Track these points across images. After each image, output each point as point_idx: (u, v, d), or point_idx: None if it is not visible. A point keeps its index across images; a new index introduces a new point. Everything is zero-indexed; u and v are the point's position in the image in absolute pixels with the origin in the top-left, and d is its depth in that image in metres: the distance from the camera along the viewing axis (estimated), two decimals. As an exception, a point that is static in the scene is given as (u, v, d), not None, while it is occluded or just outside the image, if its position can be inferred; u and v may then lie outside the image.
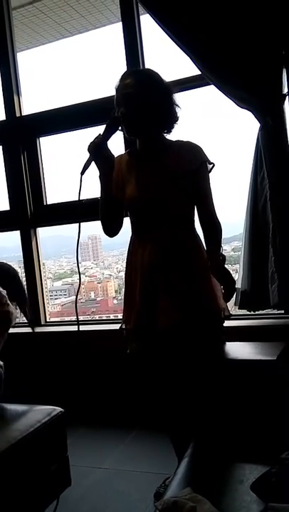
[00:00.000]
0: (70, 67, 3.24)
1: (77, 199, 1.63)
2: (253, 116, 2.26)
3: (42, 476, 1.65)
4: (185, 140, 1.73)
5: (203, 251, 1.71)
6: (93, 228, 3.97)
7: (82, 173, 1.65)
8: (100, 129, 1.70)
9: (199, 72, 2.36)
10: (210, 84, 2.36)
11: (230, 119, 2.59)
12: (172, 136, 1.76)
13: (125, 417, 2.60)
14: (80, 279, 1.65)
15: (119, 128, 1.68)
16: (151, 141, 1.72)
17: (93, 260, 3.85)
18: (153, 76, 1.69)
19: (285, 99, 2.26)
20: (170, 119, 1.70)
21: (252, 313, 2.41)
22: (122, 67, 2.72)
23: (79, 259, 1.64)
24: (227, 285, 1.59)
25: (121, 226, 1.81)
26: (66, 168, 3.19)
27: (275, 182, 2.22)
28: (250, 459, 1.26)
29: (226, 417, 1.44)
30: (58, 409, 1.75)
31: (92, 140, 1.67)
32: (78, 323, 1.72)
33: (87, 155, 1.67)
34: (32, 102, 3.17)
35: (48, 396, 1.83)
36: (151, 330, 1.66)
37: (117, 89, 1.68)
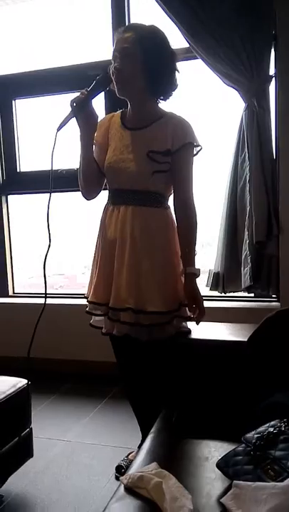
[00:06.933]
0: (53, 28, 3.07)
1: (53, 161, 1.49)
2: (239, 95, 2.23)
3: (4, 447, 1.63)
4: (178, 115, 1.60)
5: (172, 233, 1.61)
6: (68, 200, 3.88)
7: (59, 129, 1.53)
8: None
9: (187, 45, 2.29)
10: (197, 58, 2.30)
11: (215, 98, 2.54)
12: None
13: (91, 391, 2.59)
14: (48, 248, 1.51)
15: (108, 87, 1.56)
16: (141, 106, 1.58)
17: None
18: (157, 35, 1.53)
19: (271, 80, 2.23)
20: (167, 85, 1.57)
21: (223, 294, 2.43)
22: (108, 33, 2.61)
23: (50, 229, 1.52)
24: (197, 310, 1.58)
25: (100, 190, 1.71)
26: (42, 136, 3.06)
27: (256, 164, 2.21)
28: (217, 437, 1.27)
29: (193, 396, 1.45)
30: (24, 381, 1.73)
31: (77, 95, 1.54)
32: (46, 295, 1.59)
33: (68, 110, 1.54)
34: (9, 62, 3.00)
35: (14, 368, 1.80)
36: (107, 306, 1.60)
37: (116, 43, 1.53)
